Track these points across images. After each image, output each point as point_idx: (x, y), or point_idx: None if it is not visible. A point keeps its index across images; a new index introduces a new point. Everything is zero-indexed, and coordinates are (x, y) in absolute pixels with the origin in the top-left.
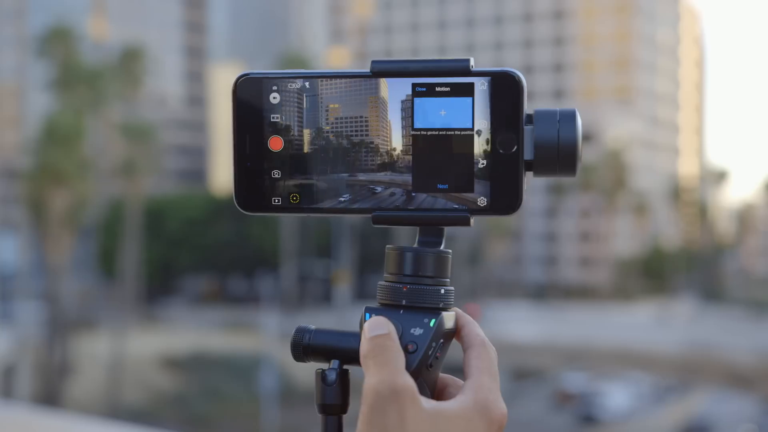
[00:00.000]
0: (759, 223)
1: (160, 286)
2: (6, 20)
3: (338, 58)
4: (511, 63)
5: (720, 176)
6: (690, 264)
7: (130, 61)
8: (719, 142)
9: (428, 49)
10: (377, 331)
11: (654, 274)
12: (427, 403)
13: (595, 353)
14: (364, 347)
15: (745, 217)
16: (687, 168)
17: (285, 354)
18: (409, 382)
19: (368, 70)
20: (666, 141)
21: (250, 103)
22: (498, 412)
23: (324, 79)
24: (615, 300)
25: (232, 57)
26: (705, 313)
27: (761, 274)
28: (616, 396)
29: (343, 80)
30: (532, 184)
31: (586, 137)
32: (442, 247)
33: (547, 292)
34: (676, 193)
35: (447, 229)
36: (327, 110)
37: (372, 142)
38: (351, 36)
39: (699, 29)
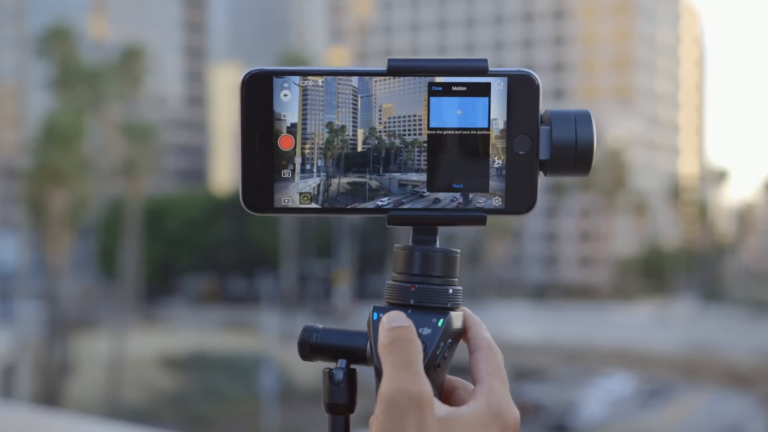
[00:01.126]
0: (759, 223)
1: (160, 286)
2: (6, 20)
3: (338, 58)
4: (511, 63)
5: (720, 176)
6: (690, 264)
7: (130, 61)
8: (719, 142)
9: (428, 49)
10: (397, 323)
11: (654, 274)
12: (442, 408)
13: (595, 353)
14: (383, 338)
15: (745, 217)
16: (687, 168)
17: (285, 354)
18: (427, 388)
19: (384, 68)
20: (666, 141)
21: (259, 100)
22: (511, 417)
23: (378, 79)
24: (615, 300)
25: (232, 57)
26: (705, 313)
27: (761, 274)
28: (592, 403)
29: (397, 79)
30: None
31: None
32: (436, 245)
33: (547, 292)
34: (676, 193)
35: (449, 229)
36: (382, 109)
37: (425, 141)
38: (351, 36)
39: (699, 29)
